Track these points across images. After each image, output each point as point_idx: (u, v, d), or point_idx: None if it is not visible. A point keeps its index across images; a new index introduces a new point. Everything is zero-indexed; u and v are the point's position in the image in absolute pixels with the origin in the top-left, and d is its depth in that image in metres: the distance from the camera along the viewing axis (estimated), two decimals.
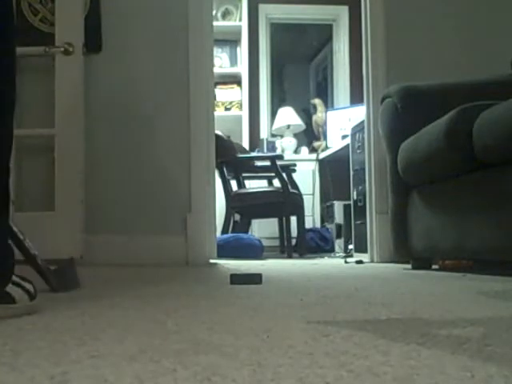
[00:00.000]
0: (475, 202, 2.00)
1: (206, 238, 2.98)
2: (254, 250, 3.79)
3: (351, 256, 3.68)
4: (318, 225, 5.18)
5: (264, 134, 5.67)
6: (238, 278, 1.63)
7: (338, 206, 4.63)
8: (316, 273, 2.30)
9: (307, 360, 0.60)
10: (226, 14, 5.63)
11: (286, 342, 0.71)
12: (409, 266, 2.57)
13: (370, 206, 3.18)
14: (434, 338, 0.73)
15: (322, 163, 5.27)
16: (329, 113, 5.43)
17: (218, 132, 3.57)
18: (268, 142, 5.52)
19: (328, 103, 5.83)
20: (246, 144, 5.38)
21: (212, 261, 3.01)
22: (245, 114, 5.51)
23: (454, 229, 2.13)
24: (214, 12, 4.52)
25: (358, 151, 3.63)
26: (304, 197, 4.50)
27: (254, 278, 1.62)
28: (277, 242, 4.74)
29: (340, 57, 5.80)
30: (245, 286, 1.56)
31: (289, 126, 5.57)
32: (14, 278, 1.06)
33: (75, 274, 1.58)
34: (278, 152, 5.43)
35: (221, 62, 5.58)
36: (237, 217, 4.57)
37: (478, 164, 1.95)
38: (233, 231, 4.25)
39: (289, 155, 5.28)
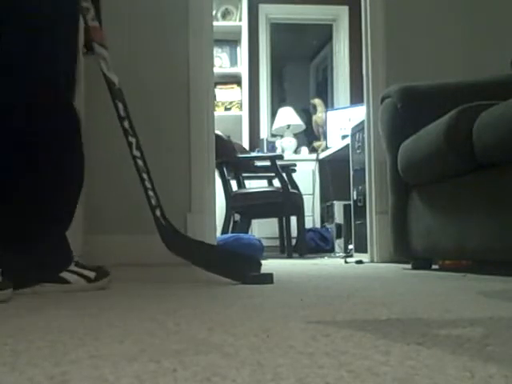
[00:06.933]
0: (475, 201, 2.00)
1: (206, 238, 2.97)
2: (254, 250, 3.79)
3: (351, 256, 3.68)
4: (317, 225, 5.18)
5: (264, 134, 5.67)
6: (250, 278, 1.63)
7: (338, 206, 4.63)
8: (316, 273, 2.30)
9: (307, 360, 0.60)
10: (226, 14, 5.63)
11: (286, 342, 0.71)
12: (409, 266, 2.57)
13: (370, 206, 3.18)
14: (434, 338, 0.73)
15: (322, 163, 5.27)
16: (329, 113, 5.43)
17: (217, 132, 3.57)
18: (268, 142, 5.52)
19: (328, 103, 5.83)
20: (246, 144, 5.37)
21: None
22: (245, 114, 5.51)
23: (454, 229, 2.13)
24: (214, 12, 4.52)
25: (358, 151, 3.63)
26: (304, 197, 4.50)
27: (266, 278, 1.64)
28: (277, 242, 4.74)
29: (340, 57, 5.80)
30: (245, 286, 1.56)
31: (289, 126, 5.57)
32: (74, 268, 1.50)
33: None
34: (278, 152, 5.43)
35: (221, 62, 5.58)
36: (237, 217, 4.56)
37: (477, 164, 1.95)
38: (233, 231, 4.25)
39: (289, 155, 5.27)
